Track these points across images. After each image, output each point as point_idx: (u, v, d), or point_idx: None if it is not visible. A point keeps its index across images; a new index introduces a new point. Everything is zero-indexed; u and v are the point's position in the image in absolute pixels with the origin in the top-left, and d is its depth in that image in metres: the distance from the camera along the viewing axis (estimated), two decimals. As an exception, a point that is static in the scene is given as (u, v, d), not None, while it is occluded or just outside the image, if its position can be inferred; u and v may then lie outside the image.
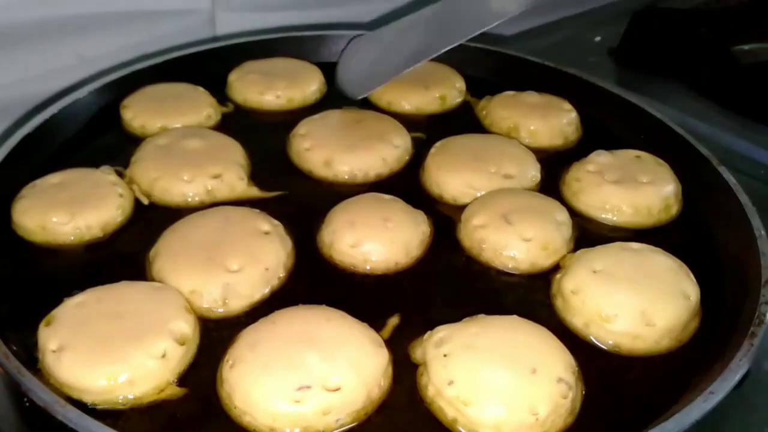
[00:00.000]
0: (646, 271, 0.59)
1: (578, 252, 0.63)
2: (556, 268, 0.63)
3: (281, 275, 0.60)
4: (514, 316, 0.55)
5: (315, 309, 0.55)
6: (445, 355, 0.52)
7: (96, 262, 0.62)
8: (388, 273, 0.62)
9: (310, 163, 0.73)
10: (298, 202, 0.69)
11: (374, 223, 0.63)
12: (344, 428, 0.50)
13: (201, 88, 0.83)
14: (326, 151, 0.73)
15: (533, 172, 0.72)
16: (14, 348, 0.50)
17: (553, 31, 1.24)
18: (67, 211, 0.63)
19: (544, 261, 0.63)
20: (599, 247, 0.62)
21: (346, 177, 0.72)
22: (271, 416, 0.49)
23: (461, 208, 0.68)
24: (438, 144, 0.75)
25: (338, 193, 0.69)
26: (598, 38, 1.20)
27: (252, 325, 0.54)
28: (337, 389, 0.49)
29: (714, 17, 1.06)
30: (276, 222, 0.64)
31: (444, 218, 0.68)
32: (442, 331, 0.54)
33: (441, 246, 0.65)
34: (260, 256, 0.60)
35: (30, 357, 0.52)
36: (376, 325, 0.55)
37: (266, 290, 0.59)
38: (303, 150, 0.74)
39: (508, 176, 0.71)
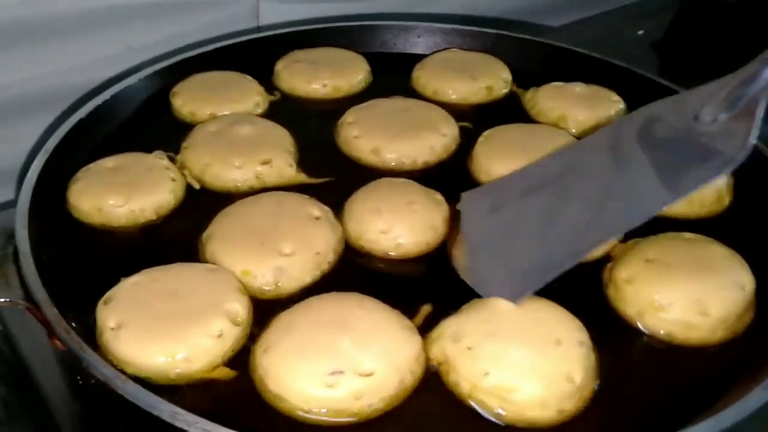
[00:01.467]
0: (700, 261, 0.59)
1: (630, 242, 0.62)
2: (605, 258, 0.62)
3: (331, 260, 0.61)
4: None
5: (348, 296, 0.55)
6: (469, 348, 0.52)
7: (149, 244, 0.63)
8: (420, 255, 0.63)
9: (358, 150, 0.74)
10: (347, 189, 0.70)
11: (400, 207, 0.63)
12: (377, 413, 0.50)
13: (249, 77, 0.83)
14: (374, 138, 0.73)
15: None
16: (74, 325, 0.51)
17: (596, 24, 1.23)
18: (122, 194, 0.64)
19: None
20: (651, 237, 0.62)
21: (393, 164, 0.73)
22: (304, 400, 0.49)
23: None
24: (486, 133, 0.75)
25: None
26: (641, 32, 1.19)
27: (285, 311, 0.54)
28: (370, 374, 0.49)
29: (765, 9, 1.04)
30: (326, 208, 0.64)
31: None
32: (452, 325, 0.53)
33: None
34: (312, 240, 0.60)
35: (88, 335, 0.53)
36: (410, 312, 0.55)
37: (317, 274, 0.60)
38: (351, 138, 0.75)
39: None
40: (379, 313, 0.53)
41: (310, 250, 0.60)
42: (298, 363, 0.49)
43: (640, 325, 0.57)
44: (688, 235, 0.62)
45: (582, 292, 0.59)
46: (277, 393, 0.49)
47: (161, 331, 0.51)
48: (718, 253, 0.60)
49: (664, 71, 1.09)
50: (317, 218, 0.63)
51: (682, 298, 0.56)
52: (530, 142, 0.72)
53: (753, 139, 0.51)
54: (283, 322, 0.53)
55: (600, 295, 0.60)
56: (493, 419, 0.50)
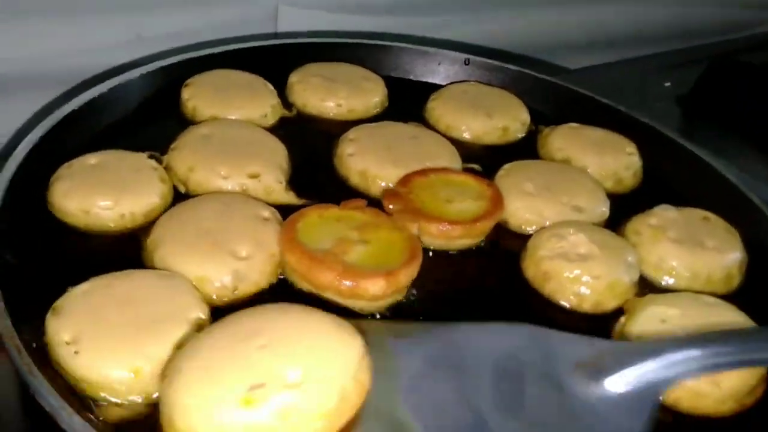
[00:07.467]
0: (717, 327, 0.56)
1: (646, 297, 0.60)
2: (618, 311, 0.60)
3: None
4: None
5: (269, 306, 0.48)
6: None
7: (129, 249, 0.59)
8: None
9: (347, 169, 0.70)
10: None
11: None
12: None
13: (270, 86, 0.79)
14: (366, 160, 0.70)
15: (603, 208, 0.69)
16: (26, 338, 0.47)
17: (619, 70, 1.20)
18: (111, 195, 0.60)
19: (609, 302, 0.60)
20: (670, 295, 0.60)
21: (376, 191, 0.68)
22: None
23: (525, 236, 0.66)
24: (507, 166, 0.72)
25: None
26: (667, 84, 1.15)
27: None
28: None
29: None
30: (272, 208, 0.62)
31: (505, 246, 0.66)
32: None
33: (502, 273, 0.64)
34: (266, 242, 0.58)
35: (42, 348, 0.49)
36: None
37: (273, 278, 0.57)
38: (346, 155, 0.71)
39: (578, 209, 0.68)
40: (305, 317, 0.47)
41: (266, 252, 0.57)
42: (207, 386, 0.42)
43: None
44: (708, 298, 0.59)
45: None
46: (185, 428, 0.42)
47: (123, 344, 0.47)
48: (736, 321, 0.57)
49: (686, 128, 1.07)
50: (266, 219, 0.60)
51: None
52: (551, 181, 0.70)
53: None
54: (188, 346, 0.46)
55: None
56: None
